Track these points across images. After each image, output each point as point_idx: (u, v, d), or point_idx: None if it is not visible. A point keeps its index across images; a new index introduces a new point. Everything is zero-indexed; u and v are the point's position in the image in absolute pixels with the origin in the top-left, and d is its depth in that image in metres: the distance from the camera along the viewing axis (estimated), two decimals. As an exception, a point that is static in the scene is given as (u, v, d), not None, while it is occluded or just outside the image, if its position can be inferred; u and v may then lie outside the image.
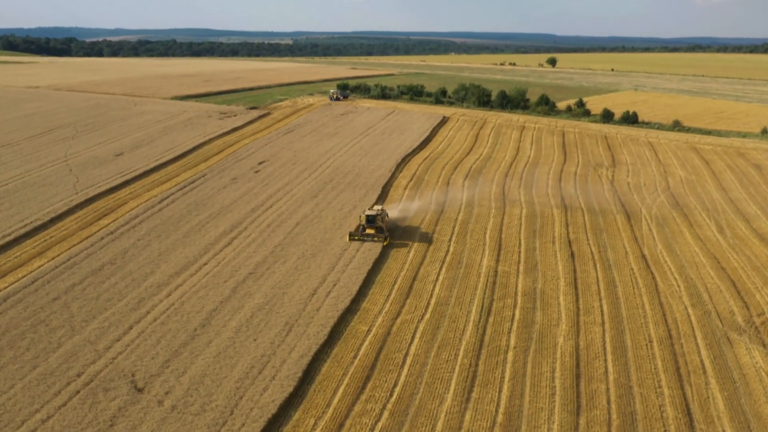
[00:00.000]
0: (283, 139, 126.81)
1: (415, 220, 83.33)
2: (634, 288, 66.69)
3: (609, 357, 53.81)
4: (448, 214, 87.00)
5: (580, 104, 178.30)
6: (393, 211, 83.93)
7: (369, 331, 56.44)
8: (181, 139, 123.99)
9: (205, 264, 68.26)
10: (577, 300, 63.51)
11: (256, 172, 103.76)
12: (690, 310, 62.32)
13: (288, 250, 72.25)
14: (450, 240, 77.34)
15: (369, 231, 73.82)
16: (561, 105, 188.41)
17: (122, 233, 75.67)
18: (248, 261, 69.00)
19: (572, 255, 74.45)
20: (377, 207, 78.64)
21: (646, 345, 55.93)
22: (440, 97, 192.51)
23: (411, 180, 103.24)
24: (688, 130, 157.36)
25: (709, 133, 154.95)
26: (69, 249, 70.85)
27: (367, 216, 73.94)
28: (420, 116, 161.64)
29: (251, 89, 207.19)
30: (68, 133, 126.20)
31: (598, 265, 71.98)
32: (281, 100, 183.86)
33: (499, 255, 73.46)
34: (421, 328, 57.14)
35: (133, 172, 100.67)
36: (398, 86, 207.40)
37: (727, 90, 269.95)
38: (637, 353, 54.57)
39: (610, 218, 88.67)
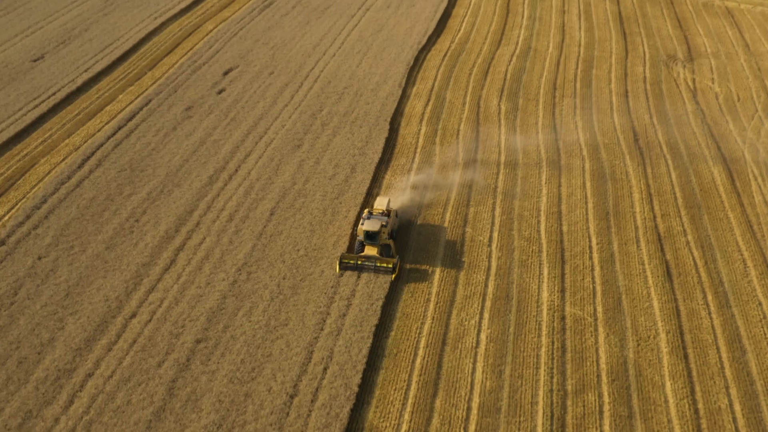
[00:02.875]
0: (259, 23, 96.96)
1: (437, 204, 59.03)
2: (772, 356, 44.74)
3: None
4: (483, 178, 62.40)
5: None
6: (402, 195, 58.82)
7: (379, 491, 35.63)
8: (123, 24, 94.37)
9: (133, 317, 45.90)
10: (692, 391, 42.01)
11: (220, 92, 76.88)
12: None
13: (257, 277, 49.33)
14: (490, 243, 53.94)
15: (370, 250, 49.78)
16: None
17: (17, 243, 52.31)
18: (196, 308, 46.49)
19: (668, 273, 51.53)
20: (381, 201, 53.47)
21: None
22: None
23: (428, 102, 76.57)
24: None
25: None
26: (-66, 284, 48.10)
27: (367, 232, 49.41)
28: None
29: None
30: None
31: (709, 296, 49.41)
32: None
33: (563, 276, 50.62)
34: (460, 478, 36.24)
35: (53, 98, 74.17)
36: None
37: None
38: None
39: (706, 175, 64.16)
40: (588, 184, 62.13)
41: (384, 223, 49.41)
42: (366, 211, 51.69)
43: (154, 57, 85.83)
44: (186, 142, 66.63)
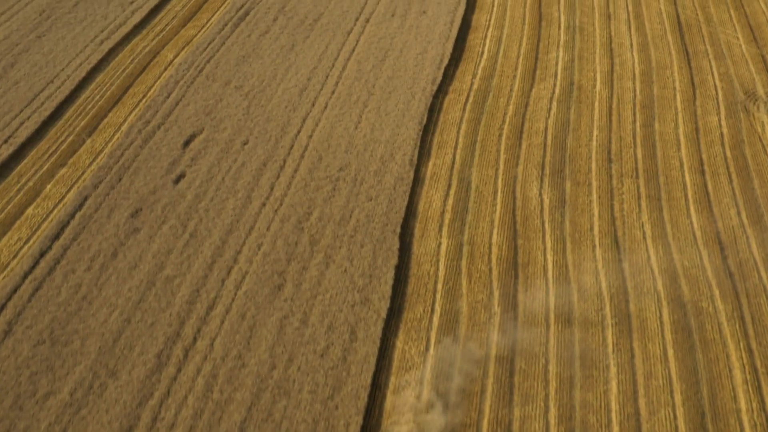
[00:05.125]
0: (232, 49, 77.30)
1: (468, 404, 42.97)
2: None
3: None
4: (529, 345, 46.17)
5: None
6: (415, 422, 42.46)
7: None
8: (57, 56, 75.09)
9: None
10: None
11: (178, 180, 59.34)
12: None
13: None
14: (548, 492, 38.31)
15: None
16: None
17: None
18: None
19: None
20: None
21: None
22: None
23: (449, 191, 59.21)
24: None
25: None
26: None
27: None
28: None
29: None
30: None
31: None
32: None
33: None
34: None
35: (-43, 198, 56.83)
36: None
37: None
38: None
39: (827, 332, 47.74)
40: (670, 353, 45.94)
41: None
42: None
43: (97, 111, 67.62)
44: (129, 282, 49.88)
